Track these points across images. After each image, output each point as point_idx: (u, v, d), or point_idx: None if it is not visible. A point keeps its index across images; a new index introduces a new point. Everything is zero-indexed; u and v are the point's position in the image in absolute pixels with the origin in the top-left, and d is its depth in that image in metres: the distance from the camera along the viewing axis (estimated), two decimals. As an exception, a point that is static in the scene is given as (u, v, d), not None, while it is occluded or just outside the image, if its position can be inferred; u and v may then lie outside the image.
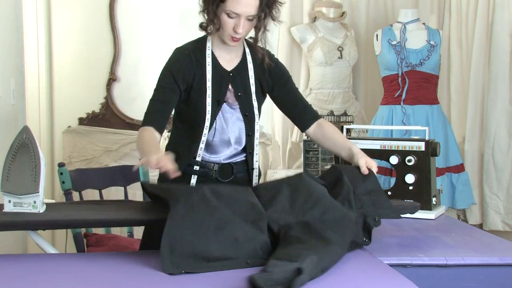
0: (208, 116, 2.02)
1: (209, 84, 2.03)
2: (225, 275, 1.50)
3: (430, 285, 1.74)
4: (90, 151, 4.03)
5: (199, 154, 2.07)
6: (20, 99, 3.22)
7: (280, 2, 2.01)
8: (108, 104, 4.03)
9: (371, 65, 3.94)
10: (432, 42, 3.33)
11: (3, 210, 1.84)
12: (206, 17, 1.98)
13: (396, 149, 2.41)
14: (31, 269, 1.57)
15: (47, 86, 3.99)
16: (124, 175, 2.59)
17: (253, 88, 2.08)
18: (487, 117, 3.61)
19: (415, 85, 3.31)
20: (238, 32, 1.94)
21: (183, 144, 2.10)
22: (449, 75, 3.87)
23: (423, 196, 2.34)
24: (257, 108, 2.11)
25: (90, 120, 4.06)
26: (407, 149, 2.39)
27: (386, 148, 2.43)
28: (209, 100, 2.02)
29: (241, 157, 2.15)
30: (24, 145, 1.82)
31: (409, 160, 2.37)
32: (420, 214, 2.21)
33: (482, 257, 1.78)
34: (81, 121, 4.07)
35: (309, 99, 3.85)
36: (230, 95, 2.07)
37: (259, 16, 1.95)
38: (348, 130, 2.62)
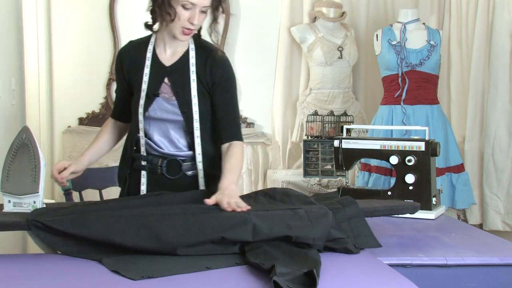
0: (141, 110, 2.06)
1: (145, 78, 2.07)
2: (222, 274, 1.50)
3: (430, 285, 1.74)
4: (90, 151, 4.03)
5: (142, 145, 2.10)
6: (20, 99, 3.22)
7: None
8: (108, 104, 4.03)
9: (371, 65, 3.94)
10: (432, 42, 3.33)
11: (3, 210, 1.84)
12: (158, 10, 1.99)
13: (396, 149, 2.41)
14: (31, 269, 1.57)
15: (47, 86, 3.99)
16: (124, 175, 2.59)
17: (193, 84, 2.06)
18: (487, 117, 3.61)
19: (415, 85, 3.31)
20: (194, 23, 1.96)
21: (130, 136, 2.16)
22: (449, 75, 3.87)
23: (423, 196, 2.34)
24: (196, 105, 2.05)
25: (90, 120, 4.06)
26: (407, 149, 2.39)
27: (386, 148, 2.43)
28: (143, 94, 2.06)
29: (189, 154, 2.10)
30: (24, 145, 1.82)
31: (409, 160, 2.37)
32: (420, 214, 2.21)
33: (482, 257, 1.78)
34: (81, 121, 4.07)
35: (309, 99, 3.86)
36: (167, 90, 2.07)
37: (211, 7, 1.98)
38: (348, 130, 2.62)
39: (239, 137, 2.09)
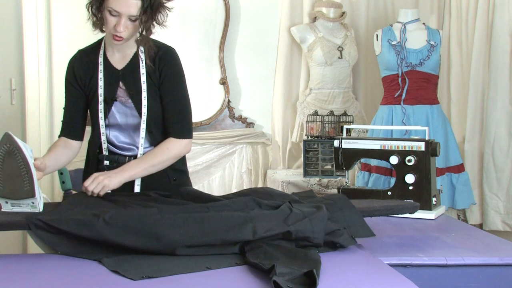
0: (101, 115, 2.09)
1: (101, 83, 2.08)
2: (220, 274, 1.50)
3: (430, 285, 1.74)
4: (90, 151, 4.02)
5: (105, 149, 2.10)
6: (20, 99, 3.22)
7: (168, 8, 2.02)
8: (108, 104, 4.03)
9: (371, 65, 3.94)
10: (432, 42, 3.33)
11: (2, 210, 1.83)
12: (90, 12, 2.01)
13: (396, 149, 2.41)
14: (31, 269, 1.57)
15: (47, 86, 3.99)
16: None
17: (144, 86, 2.06)
18: (487, 117, 3.61)
19: (415, 85, 3.31)
20: (118, 31, 1.95)
21: (92, 144, 2.16)
22: (449, 75, 3.87)
23: (423, 196, 2.34)
24: (146, 106, 2.05)
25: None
26: (407, 149, 2.39)
27: (386, 148, 2.43)
28: (100, 99, 2.08)
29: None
30: (10, 153, 1.75)
31: (409, 160, 2.37)
32: (420, 214, 2.21)
33: (482, 257, 1.78)
34: (81, 121, 4.06)
35: (309, 99, 3.86)
36: (122, 94, 2.08)
37: (141, 18, 1.95)
38: (348, 130, 2.62)
39: (180, 134, 2.09)
